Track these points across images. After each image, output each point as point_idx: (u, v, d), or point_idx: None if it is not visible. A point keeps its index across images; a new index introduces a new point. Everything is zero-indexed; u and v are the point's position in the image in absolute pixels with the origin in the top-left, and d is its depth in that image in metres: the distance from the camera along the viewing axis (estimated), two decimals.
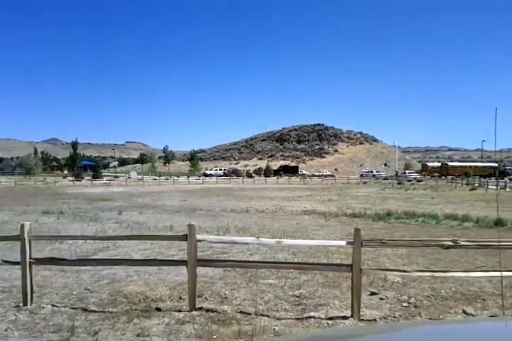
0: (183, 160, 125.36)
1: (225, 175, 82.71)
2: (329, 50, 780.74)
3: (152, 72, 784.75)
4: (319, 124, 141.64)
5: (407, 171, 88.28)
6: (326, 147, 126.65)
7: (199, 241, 5.50)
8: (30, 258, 5.82)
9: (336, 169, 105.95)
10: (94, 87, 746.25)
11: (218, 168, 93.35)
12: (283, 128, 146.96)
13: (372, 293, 6.46)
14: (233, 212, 20.64)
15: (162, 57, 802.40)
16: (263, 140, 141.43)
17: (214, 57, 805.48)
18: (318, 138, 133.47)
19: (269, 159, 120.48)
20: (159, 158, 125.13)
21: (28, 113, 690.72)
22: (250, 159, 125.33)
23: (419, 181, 60.38)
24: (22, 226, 5.85)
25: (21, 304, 5.86)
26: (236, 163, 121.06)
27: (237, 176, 76.89)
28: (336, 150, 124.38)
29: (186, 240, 5.44)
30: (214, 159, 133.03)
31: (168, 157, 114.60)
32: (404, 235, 12.80)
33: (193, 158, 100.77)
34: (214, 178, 68.79)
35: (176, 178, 66.22)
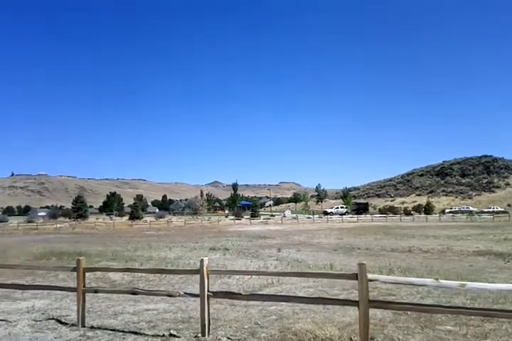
0: (336, 198, 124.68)
1: (347, 213, 78.14)
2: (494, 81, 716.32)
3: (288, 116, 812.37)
4: (486, 156, 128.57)
5: None
6: (495, 180, 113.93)
7: (370, 280, 5.24)
8: (208, 291, 6.17)
9: (509, 205, 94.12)
10: (246, 134, 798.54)
11: (340, 206, 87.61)
12: (444, 162, 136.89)
13: None
14: (394, 251, 19.61)
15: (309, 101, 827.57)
16: (421, 175, 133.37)
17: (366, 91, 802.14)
18: (485, 171, 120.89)
19: (429, 195, 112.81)
20: (312, 196, 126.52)
21: (193, 159, 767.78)
22: (408, 195, 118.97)
23: None
24: (201, 261, 6.27)
25: (200, 335, 6.20)
26: (392, 200, 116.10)
27: (394, 214, 73.43)
28: (507, 184, 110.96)
29: (356, 279, 5.24)
30: (368, 196, 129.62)
31: (320, 195, 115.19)
32: None
33: (346, 195, 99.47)
34: (369, 216, 66.69)
35: (329, 216, 66.14)
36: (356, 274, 5.26)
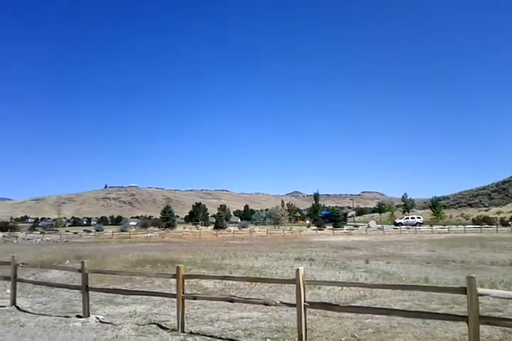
0: (424, 208, 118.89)
1: (419, 224, 71.43)
2: None
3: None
4: None
5: None
6: None
7: (480, 295, 4.89)
8: (304, 301, 6.12)
9: None
10: (326, 144, 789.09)
11: (411, 216, 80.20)
12: None
13: None
14: (494, 264, 18.21)
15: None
16: None
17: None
18: None
19: None
20: (397, 206, 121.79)
21: (273, 170, 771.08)
22: (504, 205, 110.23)
23: None
24: (297, 271, 6.22)
25: None
26: (486, 210, 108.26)
27: (489, 224, 68.48)
28: None
29: (465, 293, 4.91)
30: (459, 206, 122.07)
31: (407, 205, 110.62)
32: None
33: (435, 205, 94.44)
34: (461, 227, 62.67)
35: (418, 227, 63.16)
36: (465, 288, 4.93)
